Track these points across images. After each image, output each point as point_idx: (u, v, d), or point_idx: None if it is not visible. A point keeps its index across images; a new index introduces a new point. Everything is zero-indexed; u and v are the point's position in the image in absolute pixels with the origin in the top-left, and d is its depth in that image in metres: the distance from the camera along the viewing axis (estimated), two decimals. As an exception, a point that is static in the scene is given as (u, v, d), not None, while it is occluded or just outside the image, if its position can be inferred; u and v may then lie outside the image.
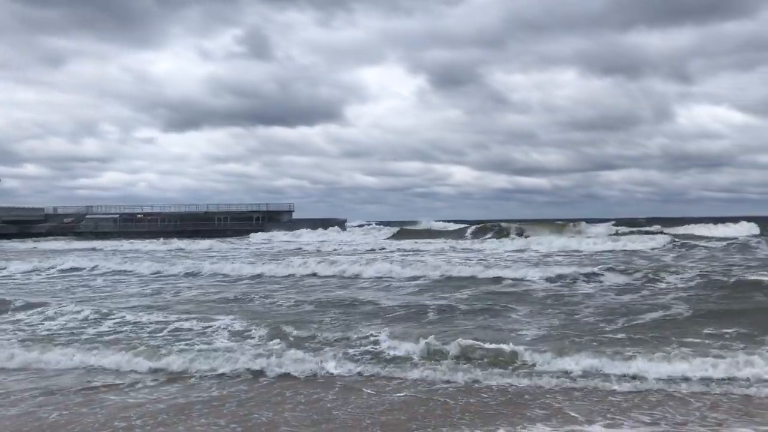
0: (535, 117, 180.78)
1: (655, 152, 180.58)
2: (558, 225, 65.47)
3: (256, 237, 69.59)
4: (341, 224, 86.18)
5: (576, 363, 10.09)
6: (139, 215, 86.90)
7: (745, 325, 12.73)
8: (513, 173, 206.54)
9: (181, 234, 78.27)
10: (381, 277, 23.40)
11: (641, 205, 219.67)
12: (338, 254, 37.94)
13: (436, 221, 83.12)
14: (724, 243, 39.74)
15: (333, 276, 24.52)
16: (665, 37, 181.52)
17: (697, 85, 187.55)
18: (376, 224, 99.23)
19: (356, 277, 24.10)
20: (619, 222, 71.48)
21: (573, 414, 7.98)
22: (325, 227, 77.63)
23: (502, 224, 66.48)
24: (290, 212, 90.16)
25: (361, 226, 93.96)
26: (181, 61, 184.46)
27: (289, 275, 24.98)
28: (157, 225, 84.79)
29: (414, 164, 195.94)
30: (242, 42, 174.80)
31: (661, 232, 51.28)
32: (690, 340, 11.57)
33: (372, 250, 43.15)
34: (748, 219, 63.04)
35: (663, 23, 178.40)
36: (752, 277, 19.92)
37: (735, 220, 65.95)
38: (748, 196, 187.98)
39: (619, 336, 12.17)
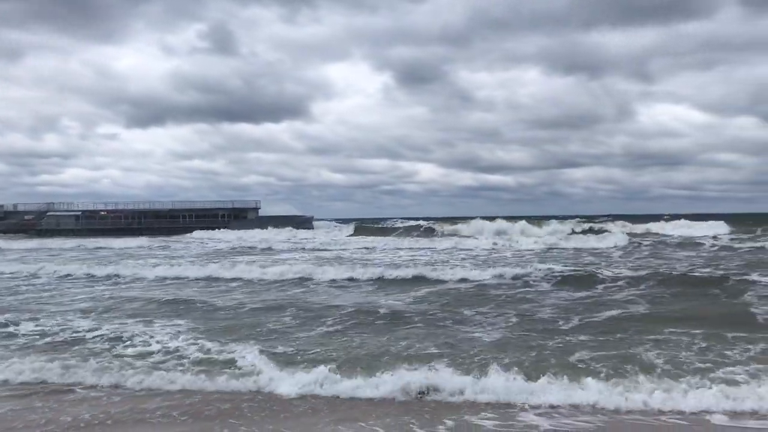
0: (500, 115, 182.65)
1: (617, 150, 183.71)
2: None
3: (199, 234, 68.81)
4: (309, 222, 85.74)
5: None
6: (102, 212, 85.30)
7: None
8: (479, 171, 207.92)
9: (145, 231, 77.23)
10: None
11: (604, 203, 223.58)
12: (289, 252, 37.52)
13: (402, 219, 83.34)
14: (679, 241, 40.32)
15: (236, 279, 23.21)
16: (627, 37, 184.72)
17: (658, 84, 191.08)
18: (336, 223, 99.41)
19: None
20: (584, 219, 72.30)
21: None
22: (294, 225, 77.10)
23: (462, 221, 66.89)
24: (257, 209, 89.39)
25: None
26: (144, 57, 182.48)
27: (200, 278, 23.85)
28: (121, 222, 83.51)
29: (381, 161, 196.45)
30: (206, 37, 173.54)
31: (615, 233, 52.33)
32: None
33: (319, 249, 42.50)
34: (707, 216, 64.23)
35: (625, 23, 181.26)
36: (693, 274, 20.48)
37: (695, 217, 67.17)
38: (707, 194, 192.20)
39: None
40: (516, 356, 10.43)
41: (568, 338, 11.75)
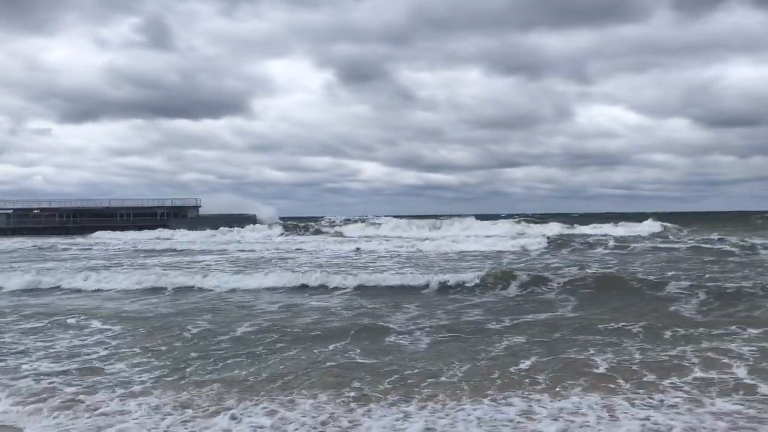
0: (442, 114, 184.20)
1: (556, 150, 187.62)
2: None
3: (103, 235, 66.85)
4: (252, 220, 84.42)
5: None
6: (35, 210, 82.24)
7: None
8: (422, 170, 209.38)
9: (81, 231, 74.80)
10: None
11: (543, 202, 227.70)
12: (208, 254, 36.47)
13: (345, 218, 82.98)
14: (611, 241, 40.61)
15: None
16: (564, 39, 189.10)
17: (594, 85, 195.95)
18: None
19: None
20: (525, 217, 73.34)
21: None
22: (234, 223, 75.79)
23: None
24: (197, 207, 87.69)
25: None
26: (76, 49, 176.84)
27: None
28: (56, 221, 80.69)
29: (324, 159, 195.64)
30: (141, 31, 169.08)
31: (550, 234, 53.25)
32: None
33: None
34: (642, 215, 65.92)
35: (562, 25, 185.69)
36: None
37: (631, 216, 68.93)
38: (641, 193, 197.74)
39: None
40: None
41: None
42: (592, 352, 10.40)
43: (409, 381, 8.85)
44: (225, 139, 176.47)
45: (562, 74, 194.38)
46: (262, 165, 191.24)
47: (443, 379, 8.96)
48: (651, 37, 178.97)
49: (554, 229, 55.14)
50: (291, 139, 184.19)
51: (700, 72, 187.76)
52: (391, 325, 12.88)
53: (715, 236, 40.71)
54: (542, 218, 75.01)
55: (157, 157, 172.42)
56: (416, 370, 9.35)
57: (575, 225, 57.69)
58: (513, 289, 17.70)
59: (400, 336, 11.88)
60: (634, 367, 9.41)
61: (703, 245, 33.48)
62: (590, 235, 46.20)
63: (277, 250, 38.09)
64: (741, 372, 9.06)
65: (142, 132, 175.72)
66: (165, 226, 77.84)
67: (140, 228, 74.42)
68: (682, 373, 9.06)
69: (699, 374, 8.99)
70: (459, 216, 78.05)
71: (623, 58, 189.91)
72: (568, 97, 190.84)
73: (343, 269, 24.18)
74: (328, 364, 9.85)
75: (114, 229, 74.63)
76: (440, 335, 11.95)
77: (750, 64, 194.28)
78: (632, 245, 35.42)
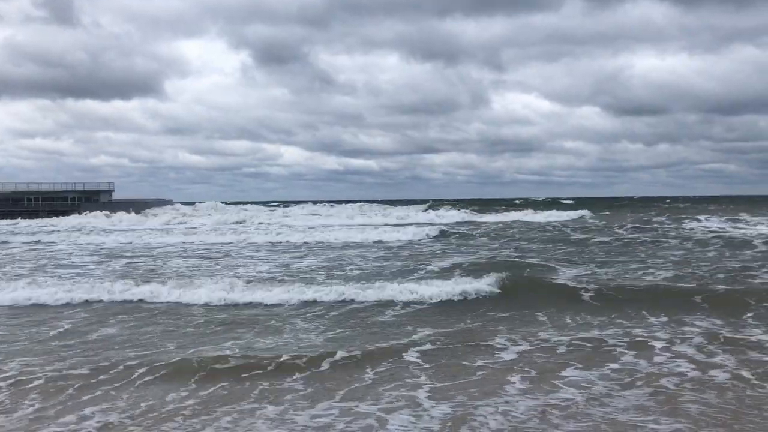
0: (361, 99, 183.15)
1: (473, 137, 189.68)
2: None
3: None
4: (167, 205, 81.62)
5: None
6: (-70, 194, 76.88)
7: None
8: (342, 155, 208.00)
9: (-15, 215, 70.37)
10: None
11: (462, 187, 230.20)
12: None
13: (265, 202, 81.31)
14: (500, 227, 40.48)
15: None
16: (479, 26, 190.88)
17: (508, 73, 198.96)
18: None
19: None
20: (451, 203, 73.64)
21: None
22: (149, 208, 73.13)
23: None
24: (110, 192, 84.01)
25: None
26: None
27: None
28: (-45, 206, 75.62)
29: (242, 143, 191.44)
30: (42, 6, 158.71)
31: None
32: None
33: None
34: (553, 201, 67.27)
35: (476, 12, 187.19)
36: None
37: (544, 203, 70.30)
38: (554, 179, 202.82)
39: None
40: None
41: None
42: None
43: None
44: (137, 122, 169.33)
45: (478, 61, 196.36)
46: (177, 148, 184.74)
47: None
48: (562, 26, 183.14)
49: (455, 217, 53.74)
50: (207, 123, 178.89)
51: (609, 61, 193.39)
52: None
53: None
54: (455, 204, 75.52)
55: (65, 139, 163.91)
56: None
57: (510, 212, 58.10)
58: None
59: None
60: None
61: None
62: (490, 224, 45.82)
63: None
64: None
65: (48, 113, 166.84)
66: (76, 211, 74.31)
67: (49, 214, 70.71)
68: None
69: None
70: (378, 202, 77.71)
71: (536, 47, 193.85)
72: (484, 84, 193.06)
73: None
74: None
75: (22, 214, 70.66)
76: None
77: (655, 55, 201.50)
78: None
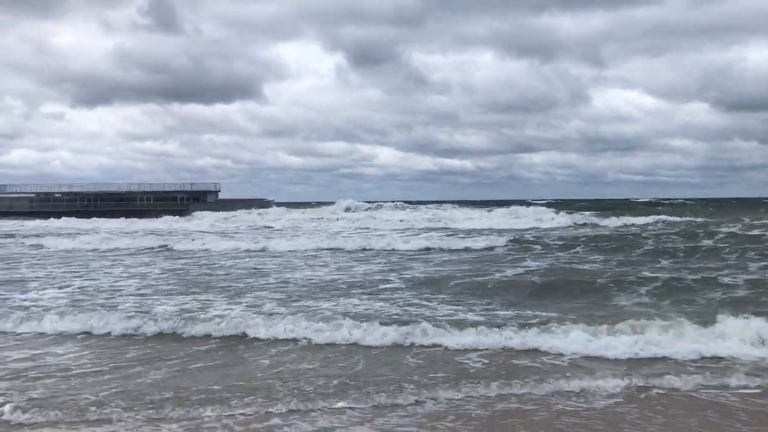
0: (456, 98, 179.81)
1: (572, 135, 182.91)
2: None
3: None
4: (269, 205, 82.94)
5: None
6: (56, 194, 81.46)
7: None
8: (437, 155, 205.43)
9: (102, 214, 73.73)
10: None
11: (562, 187, 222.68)
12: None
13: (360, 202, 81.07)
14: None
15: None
16: (577, 21, 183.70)
17: (609, 69, 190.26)
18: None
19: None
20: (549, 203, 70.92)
21: None
22: (253, 207, 74.48)
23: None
24: (216, 192, 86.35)
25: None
26: (84, 33, 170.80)
27: None
28: (77, 205, 79.76)
29: (338, 144, 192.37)
30: (147, 13, 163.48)
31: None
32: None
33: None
34: (661, 202, 63.13)
35: (574, 7, 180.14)
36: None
37: (648, 204, 66.40)
38: (660, 179, 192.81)
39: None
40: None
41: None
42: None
43: None
44: (239, 124, 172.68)
45: (577, 57, 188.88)
46: (277, 150, 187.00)
47: None
48: (666, 18, 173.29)
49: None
50: (305, 124, 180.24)
51: (718, 54, 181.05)
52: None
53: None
54: (557, 205, 72.43)
55: (172, 142, 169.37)
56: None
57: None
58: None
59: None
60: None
61: None
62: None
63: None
64: None
65: (156, 117, 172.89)
66: (185, 210, 76.84)
67: (160, 213, 73.38)
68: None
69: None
70: (474, 203, 75.82)
71: (638, 41, 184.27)
72: (583, 80, 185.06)
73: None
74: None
75: (135, 213, 73.62)
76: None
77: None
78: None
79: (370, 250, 26.36)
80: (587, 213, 48.74)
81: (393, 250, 26.04)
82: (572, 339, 9.84)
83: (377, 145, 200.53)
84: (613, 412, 7.39)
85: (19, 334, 11.62)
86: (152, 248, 29.65)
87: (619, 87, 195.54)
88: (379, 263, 21.82)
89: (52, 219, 64.31)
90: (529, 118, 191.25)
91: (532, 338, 10.03)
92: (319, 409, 7.49)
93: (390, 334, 10.48)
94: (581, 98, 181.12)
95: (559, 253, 23.11)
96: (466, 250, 25.52)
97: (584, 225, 39.48)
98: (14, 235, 41.53)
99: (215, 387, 8.27)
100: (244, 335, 11.04)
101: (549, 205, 68.44)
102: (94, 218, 66.97)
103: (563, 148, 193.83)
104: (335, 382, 8.43)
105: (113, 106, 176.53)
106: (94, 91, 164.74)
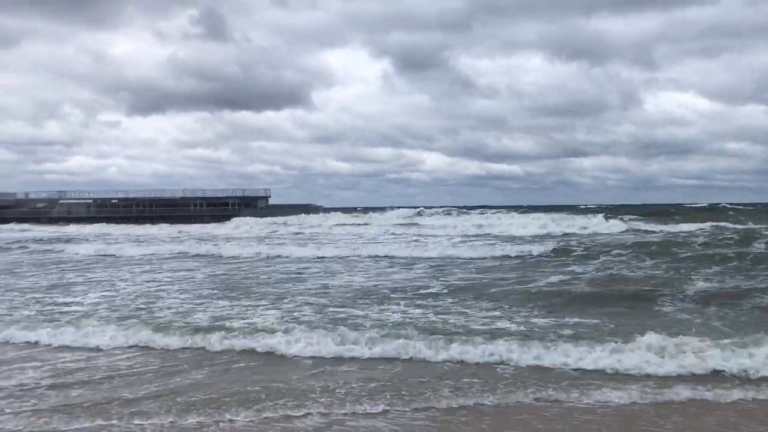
0: (504, 102, 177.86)
1: (624, 139, 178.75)
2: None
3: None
4: (318, 211, 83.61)
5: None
6: (113, 200, 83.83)
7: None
8: (485, 160, 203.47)
9: (157, 220, 75.49)
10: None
11: (613, 192, 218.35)
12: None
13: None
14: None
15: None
16: (628, 23, 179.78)
17: (662, 71, 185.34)
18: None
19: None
20: (589, 210, 69.56)
21: None
22: (302, 213, 75.19)
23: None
24: (266, 198, 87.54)
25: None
26: (138, 43, 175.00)
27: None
28: (132, 210, 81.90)
29: (385, 150, 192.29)
30: (198, 23, 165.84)
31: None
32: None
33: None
34: (716, 207, 61.04)
35: (625, 9, 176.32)
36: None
37: (702, 209, 64.40)
38: (716, 183, 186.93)
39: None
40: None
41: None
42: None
43: None
44: (288, 131, 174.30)
45: (628, 60, 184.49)
46: (325, 156, 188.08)
47: None
48: (722, 19, 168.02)
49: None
50: (352, 131, 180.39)
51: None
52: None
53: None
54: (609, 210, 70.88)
55: (223, 149, 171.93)
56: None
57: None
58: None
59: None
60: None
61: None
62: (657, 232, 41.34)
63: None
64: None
65: (207, 124, 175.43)
66: (236, 215, 78.12)
67: (212, 218, 74.83)
68: None
69: None
70: (523, 208, 74.83)
71: (692, 42, 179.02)
72: (635, 83, 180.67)
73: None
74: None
75: (188, 218, 75.14)
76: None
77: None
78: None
79: (414, 256, 26.25)
80: (638, 218, 47.74)
81: (437, 256, 25.83)
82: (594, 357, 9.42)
83: (424, 151, 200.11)
84: (629, 410, 7.38)
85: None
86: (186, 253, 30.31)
87: (671, 89, 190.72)
88: (422, 269, 21.74)
89: (103, 224, 66.36)
90: (579, 121, 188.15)
91: (558, 357, 9.58)
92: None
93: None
94: (633, 101, 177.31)
95: (605, 260, 22.58)
96: (510, 256, 25.17)
97: (634, 231, 38.54)
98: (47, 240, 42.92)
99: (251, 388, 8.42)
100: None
101: (599, 210, 67.04)
102: (148, 224, 68.63)
103: (614, 152, 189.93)
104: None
105: (167, 114, 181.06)
106: (149, 100, 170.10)
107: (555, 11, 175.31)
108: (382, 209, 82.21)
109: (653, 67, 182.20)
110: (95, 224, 68.41)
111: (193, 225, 65.35)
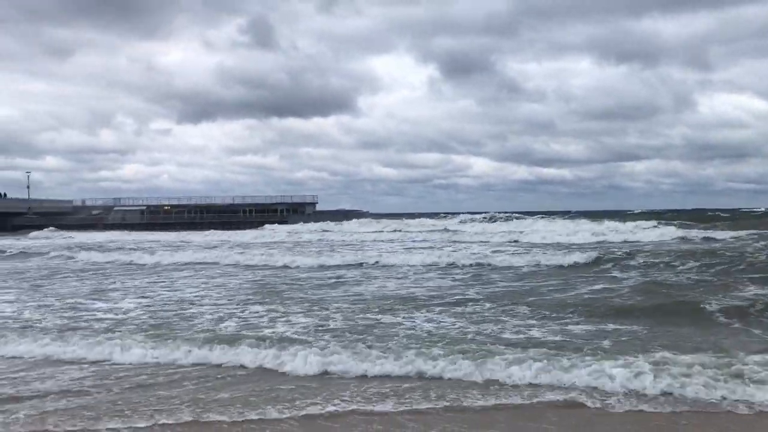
0: (552, 106, 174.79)
1: (677, 142, 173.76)
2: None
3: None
4: (365, 216, 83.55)
5: None
6: (165, 207, 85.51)
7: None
8: (534, 164, 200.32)
9: (207, 226, 76.57)
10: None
11: (666, 197, 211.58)
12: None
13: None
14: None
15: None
16: (680, 23, 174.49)
17: (716, 72, 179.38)
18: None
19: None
20: (638, 216, 67.53)
21: None
22: (349, 219, 75.25)
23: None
24: (314, 204, 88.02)
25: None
26: (188, 52, 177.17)
27: None
28: (184, 217, 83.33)
29: (432, 155, 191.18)
30: (246, 31, 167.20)
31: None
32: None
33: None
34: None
35: (677, 9, 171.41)
36: None
37: (761, 215, 61.81)
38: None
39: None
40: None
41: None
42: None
43: None
44: (335, 137, 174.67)
45: (680, 61, 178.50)
46: (371, 162, 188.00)
47: None
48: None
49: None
50: (398, 136, 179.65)
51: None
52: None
53: None
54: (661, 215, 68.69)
55: (271, 155, 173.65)
56: None
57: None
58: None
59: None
60: None
61: None
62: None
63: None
64: None
65: (256, 131, 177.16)
66: (285, 221, 78.69)
67: (260, 224, 75.50)
68: None
69: None
70: (573, 213, 73.20)
71: (748, 42, 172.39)
72: (688, 85, 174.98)
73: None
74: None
75: (237, 224, 75.93)
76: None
77: None
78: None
79: (455, 263, 25.41)
80: (692, 224, 45.90)
81: (474, 263, 24.94)
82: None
83: (471, 156, 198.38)
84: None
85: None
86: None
87: (726, 91, 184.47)
88: (462, 277, 21.16)
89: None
90: (629, 125, 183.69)
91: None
92: None
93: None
94: (686, 103, 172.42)
95: (654, 269, 21.50)
96: (548, 265, 24.24)
97: (686, 238, 37.01)
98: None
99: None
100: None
101: (652, 215, 65.11)
102: (204, 230, 69.59)
103: (667, 155, 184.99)
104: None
105: (216, 121, 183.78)
106: (198, 108, 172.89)
107: (603, 13, 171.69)
108: (434, 215, 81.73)
109: (707, 68, 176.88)
110: (161, 231, 69.82)
111: (245, 231, 66.17)
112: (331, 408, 7.80)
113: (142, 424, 7.33)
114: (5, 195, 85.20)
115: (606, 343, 10.57)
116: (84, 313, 14.79)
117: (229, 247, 37.68)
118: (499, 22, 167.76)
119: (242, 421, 7.42)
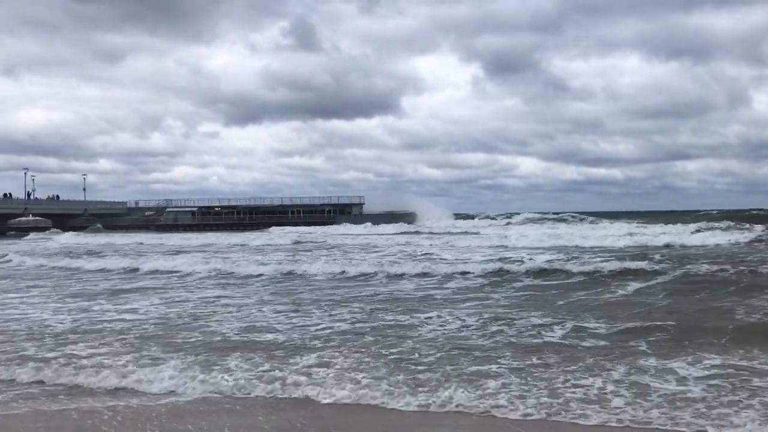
0: (600, 105, 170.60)
1: (732, 140, 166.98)
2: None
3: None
4: (412, 217, 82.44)
5: None
6: (216, 208, 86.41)
7: None
8: (582, 164, 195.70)
9: (256, 227, 76.94)
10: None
11: (721, 197, 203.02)
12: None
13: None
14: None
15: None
16: (734, 18, 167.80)
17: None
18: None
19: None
20: (698, 217, 64.40)
21: None
22: (397, 221, 74.36)
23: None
24: (360, 205, 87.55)
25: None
26: (233, 55, 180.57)
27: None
28: (234, 218, 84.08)
29: (477, 156, 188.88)
30: (289, 34, 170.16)
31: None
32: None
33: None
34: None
35: (730, 2, 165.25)
36: None
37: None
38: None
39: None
40: None
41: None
42: None
43: None
44: (379, 138, 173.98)
45: (734, 56, 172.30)
46: (416, 163, 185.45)
47: None
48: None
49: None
50: (443, 137, 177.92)
51: None
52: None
53: None
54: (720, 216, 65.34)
55: (317, 157, 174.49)
56: None
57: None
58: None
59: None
60: None
61: None
62: None
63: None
64: None
65: (302, 133, 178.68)
66: (333, 222, 78.51)
67: (308, 224, 75.53)
68: None
69: None
70: (624, 214, 70.51)
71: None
72: (743, 81, 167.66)
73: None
74: None
75: (286, 225, 75.97)
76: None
77: None
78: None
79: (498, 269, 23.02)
80: (752, 225, 42.67)
81: (495, 269, 22.57)
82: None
83: (518, 156, 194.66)
84: None
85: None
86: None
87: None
88: (482, 279, 19.94)
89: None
90: (681, 123, 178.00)
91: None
92: None
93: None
94: (741, 100, 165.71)
95: (695, 275, 19.74)
96: (579, 272, 22.55)
97: (737, 242, 34.65)
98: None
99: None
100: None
101: (706, 216, 62.00)
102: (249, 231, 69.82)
103: (722, 154, 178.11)
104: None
105: (263, 124, 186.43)
106: (245, 110, 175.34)
107: (652, 8, 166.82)
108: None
109: (763, 63, 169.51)
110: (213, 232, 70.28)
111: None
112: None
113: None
114: (58, 197, 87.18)
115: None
116: None
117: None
118: (543, 20, 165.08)
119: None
